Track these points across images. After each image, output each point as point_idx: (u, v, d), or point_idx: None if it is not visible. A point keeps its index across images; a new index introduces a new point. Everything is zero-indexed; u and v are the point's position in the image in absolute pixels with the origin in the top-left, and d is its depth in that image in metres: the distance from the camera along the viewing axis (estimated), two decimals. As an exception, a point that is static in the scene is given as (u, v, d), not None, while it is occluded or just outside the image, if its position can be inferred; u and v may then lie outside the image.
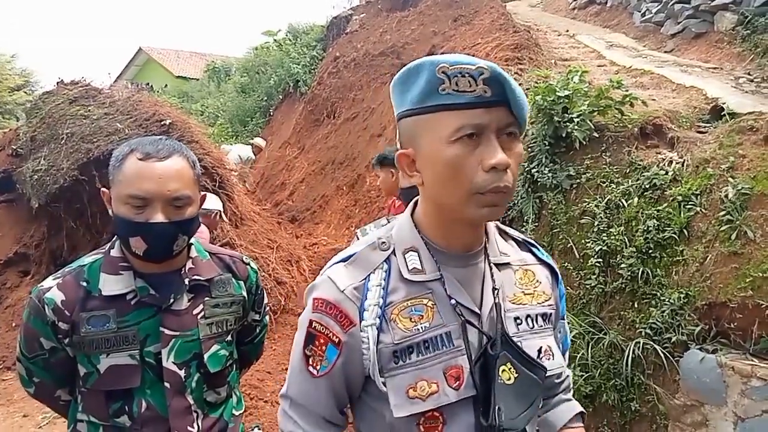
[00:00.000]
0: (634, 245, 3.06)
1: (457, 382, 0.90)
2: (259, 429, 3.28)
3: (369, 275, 0.95)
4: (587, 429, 1.16)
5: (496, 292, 0.96)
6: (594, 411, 3.03)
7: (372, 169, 3.64)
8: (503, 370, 0.91)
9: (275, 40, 13.63)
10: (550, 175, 3.63)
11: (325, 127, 9.28)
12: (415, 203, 1.02)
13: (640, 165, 3.31)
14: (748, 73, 5.16)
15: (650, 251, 3.01)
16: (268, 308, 1.69)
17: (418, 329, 0.92)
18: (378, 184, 3.49)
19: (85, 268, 1.35)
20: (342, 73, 9.53)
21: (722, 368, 2.56)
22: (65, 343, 1.31)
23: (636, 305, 3.02)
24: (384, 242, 0.99)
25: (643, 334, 2.88)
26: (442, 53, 7.36)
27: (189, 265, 1.41)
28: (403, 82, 0.92)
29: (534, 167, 3.75)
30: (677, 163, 3.20)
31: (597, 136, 3.56)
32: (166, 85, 19.24)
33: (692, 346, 2.73)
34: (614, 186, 3.34)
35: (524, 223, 3.75)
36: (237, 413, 1.52)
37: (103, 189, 1.36)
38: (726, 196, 2.81)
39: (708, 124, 3.84)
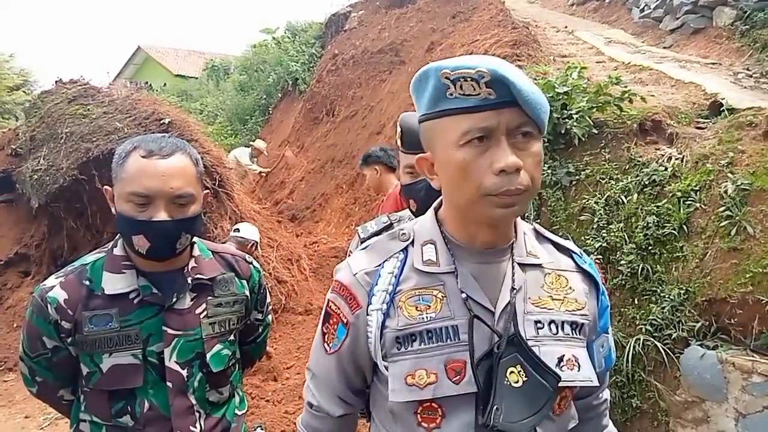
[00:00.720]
0: (634, 242, 3.07)
1: (458, 377, 0.89)
2: (261, 429, 3.28)
3: (384, 262, 0.98)
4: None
5: (513, 291, 0.94)
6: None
7: (360, 169, 3.67)
8: (511, 372, 0.89)
9: (274, 38, 13.59)
10: (549, 172, 3.63)
11: (325, 125, 9.27)
12: (440, 201, 1.03)
13: (639, 161, 3.32)
14: (747, 69, 5.16)
15: (650, 247, 3.02)
16: (270, 307, 1.69)
17: (423, 318, 0.92)
18: (366, 182, 3.51)
19: (88, 267, 1.34)
20: (341, 70, 9.51)
21: (723, 364, 2.57)
22: (68, 342, 1.31)
23: (636, 302, 3.03)
24: (405, 233, 1.01)
25: (643, 330, 2.89)
26: (441, 50, 7.37)
27: (192, 263, 1.40)
28: (416, 88, 0.94)
29: (534, 164, 3.75)
30: (676, 159, 3.21)
31: (596, 132, 3.57)
32: (165, 84, 19.17)
33: (693, 343, 2.74)
34: (614, 182, 3.34)
35: (524, 220, 3.75)
36: (240, 413, 1.51)
37: (106, 187, 1.35)
38: (725, 191, 2.82)
39: (707, 120, 3.84)
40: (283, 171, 9.36)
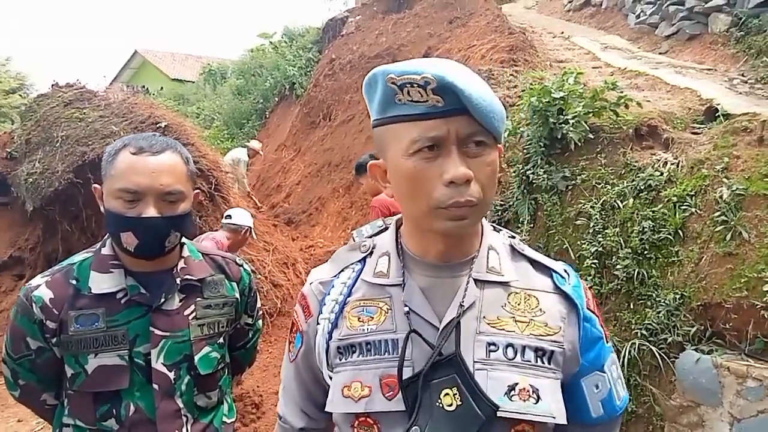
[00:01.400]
0: (630, 246, 3.06)
1: (391, 392, 0.85)
2: None
3: (339, 273, 0.98)
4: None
5: (461, 308, 0.87)
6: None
7: (355, 179, 3.68)
8: (446, 394, 0.83)
9: (271, 42, 13.65)
10: (545, 176, 3.62)
11: (321, 129, 9.28)
12: None
13: (635, 166, 3.31)
14: (742, 75, 5.19)
15: (645, 252, 3.01)
16: (262, 312, 1.67)
17: (364, 330, 0.89)
18: (363, 190, 3.51)
19: (75, 266, 1.33)
20: (338, 75, 9.54)
21: (718, 369, 2.56)
22: (52, 342, 1.29)
23: (631, 306, 3.02)
24: (365, 244, 1.00)
25: (638, 335, 2.88)
26: (438, 55, 7.39)
27: (181, 264, 1.38)
28: (367, 92, 0.90)
29: (529, 169, 3.75)
30: (672, 164, 3.20)
31: (592, 137, 3.56)
32: (161, 88, 19.20)
33: (688, 347, 2.73)
34: (609, 187, 3.34)
35: (520, 225, 3.75)
36: (228, 421, 1.48)
37: (95, 185, 1.34)
38: (721, 196, 2.81)
39: (702, 125, 3.85)
40: (279, 175, 9.35)
